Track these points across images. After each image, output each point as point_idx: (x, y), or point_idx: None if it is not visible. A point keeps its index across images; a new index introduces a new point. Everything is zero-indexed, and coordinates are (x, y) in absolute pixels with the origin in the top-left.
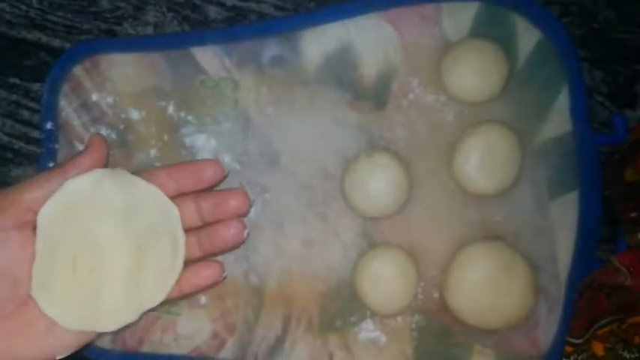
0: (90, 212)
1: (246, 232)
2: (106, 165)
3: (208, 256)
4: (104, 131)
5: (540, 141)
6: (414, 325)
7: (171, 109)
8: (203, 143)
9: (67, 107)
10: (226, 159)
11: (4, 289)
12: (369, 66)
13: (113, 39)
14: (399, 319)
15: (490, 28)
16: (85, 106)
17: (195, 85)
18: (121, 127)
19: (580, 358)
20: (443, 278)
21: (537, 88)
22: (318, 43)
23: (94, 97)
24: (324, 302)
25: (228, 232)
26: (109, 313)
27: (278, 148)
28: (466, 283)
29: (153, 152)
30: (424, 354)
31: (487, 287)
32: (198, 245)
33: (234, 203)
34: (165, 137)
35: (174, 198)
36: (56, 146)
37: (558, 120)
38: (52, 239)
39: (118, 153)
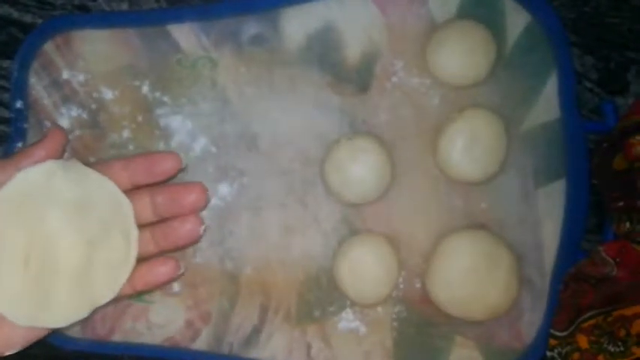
0: (41, 206)
1: (202, 227)
2: (61, 157)
3: (164, 253)
4: (75, 111)
5: (527, 127)
6: (394, 316)
7: (145, 89)
8: (179, 125)
9: (37, 85)
10: (203, 141)
11: None
12: (352, 47)
13: (86, 14)
14: (380, 309)
15: (478, 9)
16: (56, 84)
17: (171, 64)
18: (93, 106)
19: (564, 351)
20: (425, 267)
21: (525, 73)
22: (300, 22)
23: (65, 74)
24: (303, 291)
25: (184, 228)
26: (58, 309)
27: (257, 131)
28: (449, 273)
29: (126, 133)
30: (404, 345)
31: (470, 277)
32: (153, 241)
33: (191, 198)
34: (139, 118)
35: (130, 192)
36: (25, 126)
37: (546, 106)
38: (1, 233)
39: (89, 134)
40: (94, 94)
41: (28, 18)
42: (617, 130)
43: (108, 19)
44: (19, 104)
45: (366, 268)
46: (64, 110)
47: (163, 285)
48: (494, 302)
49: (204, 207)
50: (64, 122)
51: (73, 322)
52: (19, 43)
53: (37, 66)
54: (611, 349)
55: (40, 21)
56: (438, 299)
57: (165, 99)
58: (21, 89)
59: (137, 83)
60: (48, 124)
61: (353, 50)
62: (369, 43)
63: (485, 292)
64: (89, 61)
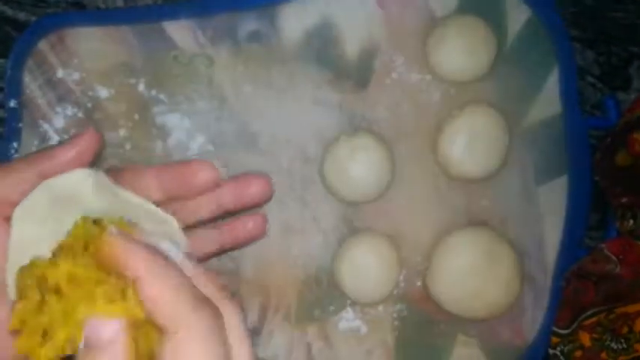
0: (69, 216)
1: (267, 226)
2: (92, 165)
3: (227, 250)
4: (70, 110)
5: (529, 123)
6: (395, 314)
7: (141, 87)
8: (176, 123)
9: (31, 84)
10: (200, 140)
11: None
12: (351, 43)
13: (80, 12)
14: (380, 307)
15: (478, 4)
16: (51, 82)
17: (167, 62)
18: (89, 105)
19: (566, 348)
20: (426, 265)
21: (526, 68)
22: (298, 18)
23: (60, 73)
24: (303, 290)
25: (249, 226)
26: None
27: (255, 129)
28: (450, 271)
29: (122, 132)
30: (406, 344)
31: (471, 275)
32: (218, 239)
33: (253, 191)
34: (136, 116)
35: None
36: (20, 125)
37: (547, 102)
38: (26, 241)
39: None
40: (90, 93)
41: (21, 16)
42: (620, 125)
43: (103, 17)
44: (12, 103)
45: (366, 267)
46: (59, 109)
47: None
48: (495, 300)
49: (269, 199)
50: (59, 121)
51: None
52: (13, 41)
53: (31, 64)
54: (614, 346)
55: (34, 19)
56: (439, 297)
57: (162, 97)
58: (15, 88)
59: (133, 81)
60: (43, 123)
61: (352, 46)
62: (368, 38)
63: (487, 290)
64: (84, 59)
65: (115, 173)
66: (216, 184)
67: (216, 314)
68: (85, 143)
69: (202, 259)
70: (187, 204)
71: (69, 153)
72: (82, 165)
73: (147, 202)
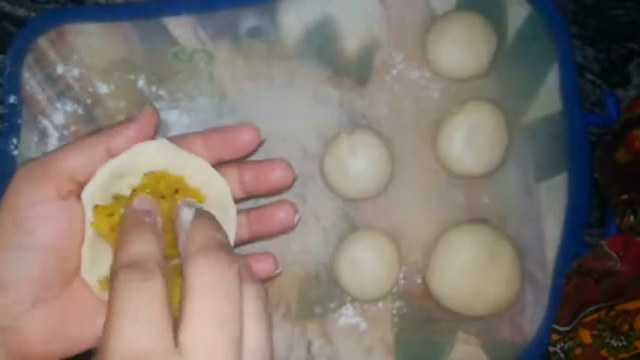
0: (134, 179)
1: (297, 217)
2: (153, 138)
3: (257, 238)
4: (70, 106)
5: (528, 120)
6: (395, 311)
7: (141, 83)
8: (175, 119)
9: (30, 80)
10: None
11: (51, 266)
12: (351, 40)
13: (80, 7)
14: (380, 304)
15: (478, 0)
16: (50, 78)
17: (167, 58)
18: (88, 101)
19: (567, 346)
20: (426, 263)
21: (526, 65)
22: (298, 14)
23: (60, 69)
24: (303, 287)
25: (278, 216)
26: None
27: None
28: (450, 268)
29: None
30: (405, 341)
31: (471, 272)
32: (247, 225)
33: (276, 174)
34: (135, 113)
35: (219, 167)
36: (20, 121)
37: (547, 99)
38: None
39: (84, 129)
40: (89, 89)
41: (21, 12)
42: (620, 122)
43: (102, 13)
44: (12, 99)
45: (366, 264)
46: (58, 105)
47: None
48: (495, 297)
49: (291, 184)
50: (59, 117)
51: None
52: (12, 37)
53: (31, 60)
54: (614, 343)
55: (33, 15)
56: (439, 295)
57: (162, 93)
58: (14, 84)
59: (133, 77)
60: (42, 119)
61: (352, 43)
62: (368, 35)
63: (487, 287)
64: (84, 55)
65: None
66: (258, 146)
67: (228, 267)
68: (146, 119)
69: (235, 244)
70: None
71: (133, 128)
72: (145, 139)
73: (207, 164)
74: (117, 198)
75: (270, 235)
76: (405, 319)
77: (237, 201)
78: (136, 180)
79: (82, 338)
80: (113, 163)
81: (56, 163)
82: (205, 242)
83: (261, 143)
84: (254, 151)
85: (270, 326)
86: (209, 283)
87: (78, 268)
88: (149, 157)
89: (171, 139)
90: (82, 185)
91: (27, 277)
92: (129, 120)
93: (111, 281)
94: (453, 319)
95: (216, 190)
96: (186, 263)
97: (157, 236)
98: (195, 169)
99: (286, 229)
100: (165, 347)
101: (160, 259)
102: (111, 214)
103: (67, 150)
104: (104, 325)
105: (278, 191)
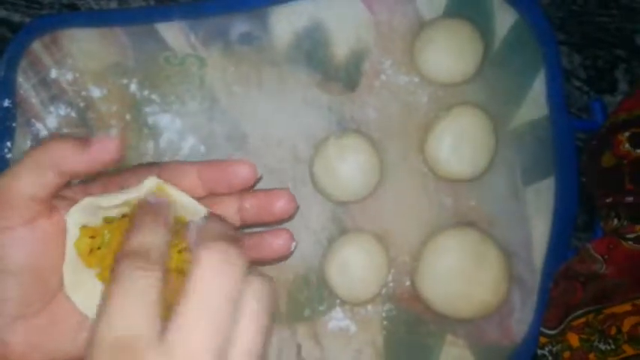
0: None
1: (294, 244)
2: (113, 165)
3: (252, 265)
4: (63, 109)
5: (515, 125)
6: (384, 314)
7: (133, 87)
8: (167, 123)
9: (25, 84)
10: (191, 140)
11: (30, 286)
12: (340, 45)
13: (74, 13)
14: (370, 307)
15: (465, 7)
16: (44, 82)
17: (159, 63)
18: (81, 105)
19: (555, 349)
20: (414, 265)
21: (513, 71)
22: (289, 20)
23: (54, 73)
24: (293, 290)
25: (276, 243)
26: None
27: (245, 130)
28: (438, 271)
29: (114, 132)
30: (394, 343)
31: (459, 275)
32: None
33: (281, 205)
34: (128, 117)
35: (218, 197)
36: (13, 124)
37: (534, 104)
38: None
39: (77, 133)
40: (82, 93)
41: (16, 17)
42: (606, 127)
43: (96, 18)
44: (6, 103)
45: (355, 267)
46: (52, 109)
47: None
48: (483, 300)
49: (294, 214)
50: (52, 121)
51: None
52: (7, 42)
53: (25, 65)
54: (602, 347)
55: (28, 20)
56: (427, 297)
57: (154, 97)
58: (8, 88)
59: (125, 81)
60: (36, 123)
61: (341, 48)
62: (357, 41)
63: (474, 290)
64: (77, 60)
65: (158, 168)
66: (254, 183)
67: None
68: (101, 149)
69: None
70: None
71: (85, 157)
72: (99, 168)
73: (196, 202)
74: (108, 221)
75: (265, 263)
76: (394, 321)
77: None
78: (126, 209)
79: (64, 352)
80: (101, 200)
81: (11, 189)
82: (216, 234)
83: (257, 180)
84: (251, 187)
85: (269, 325)
86: (211, 276)
87: (60, 285)
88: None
89: (166, 166)
90: (44, 204)
91: (6, 296)
92: (82, 142)
93: (114, 264)
94: (442, 322)
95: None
96: (195, 251)
97: (167, 231)
98: (185, 208)
99: (282, 257)
100: (152, 337)
101: (166, 253)
102: (93, 237)
103: (18, 173)
104: (98, 307)
105: (279, 223)
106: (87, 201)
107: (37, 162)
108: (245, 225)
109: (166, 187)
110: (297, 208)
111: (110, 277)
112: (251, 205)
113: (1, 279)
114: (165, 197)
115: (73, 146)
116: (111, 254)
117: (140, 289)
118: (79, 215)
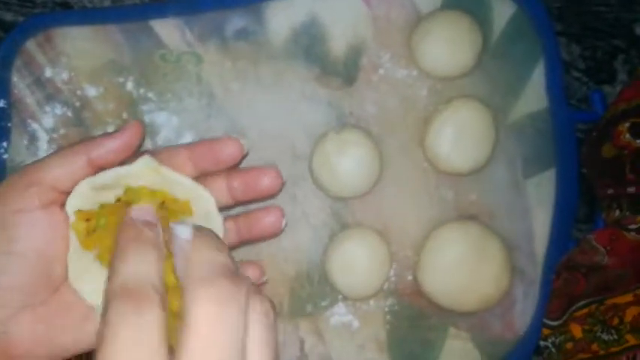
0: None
1: (284, 221)
2: (135, 153)
3: (244, 243)
4: (59, 109)
5: (515, 117)
6: (387, 309)
7: (130, 85)
8: (164, 121)
9: (19, 83)
10: (189, 137)
11: (37, 273)
12: (338, 40)
13: (68, 11)
14: (372, 302)
15: None
16: (39, 82)
17: (155, 60)
18: (77, 104)
19: (557, 340)
20: (416, 259)
21: (512, 63)
22: (285, 15)
23: (48, 72)
24: (295, 286)
25: (266, 220)
26: None
27: (243, 126)
28: (440, 264)
29: (111, 130)
30: (398, 338)
31: (461, 268)
32: (235, 231)
33: (265, 182)
34: (124, 115)
35: (207, 177)
36: (9, 125)
37: (534, 96)
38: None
39: (74, 132)
40: (78, 92)
41: (8, 16)
42: (606, 118)
43: (90, 16)
44: (1, 103)
45: (357, 262)
46: (47, 108)
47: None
48: (485, 293)
49: (279, 191)
50: (48, 120)
51: None
52: (0, 41)
53: (19, 64)
54: (605, 337)
55: (21, 19)
56: (430, 291)
57: (150, 95)
58: (3, 88)
59: (121, 79)
60: (32, 122)
61: (339, 43)
62: (355, 35)
63: (477, 283)
64: (72, 58)
65: (153, 153)
66: (241, 158)
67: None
68: (130, 132)
69: None
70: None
71: (115, 141)
72: (127, 152)
73: (188, 179)
74: (103, 206)
75: (258, 240)
76: (396, 316)
77: (225, 208)
78: (120, 192)
79: (69, 343)
80: (96, 178)
81: (38, 172)
82: (207, 269)
83: (244, 155)
84: (239, 163)
85: (275, 350)
86: (211, 317)
87: (65, 275)
88: (133, 175)
89: (157, 152)
90: (64, 194)
91: (12, 283)
92: (113, 132)
93: (104, 306)
94: (444, 315)
95: (202, 205)
96: (187, 292)
97: (158, 253)
98: (179, 187)
99: (274, 234)
100: None
101: (160, 281)
102: (87, 220)
103: (49, 160)
104: (95, 354)
105: (266, 198)
106: (82, 185)
107: (69, 151)
108: (237, 203)
109: (162, 168)
110: (283, 184)
111: (101, 319)
112: (239, 184)
113: (8, 262)
114: (161, 179)
115: (105, 135)
116: (107, 235)
117: (139, 335)
118: (76, 201)
